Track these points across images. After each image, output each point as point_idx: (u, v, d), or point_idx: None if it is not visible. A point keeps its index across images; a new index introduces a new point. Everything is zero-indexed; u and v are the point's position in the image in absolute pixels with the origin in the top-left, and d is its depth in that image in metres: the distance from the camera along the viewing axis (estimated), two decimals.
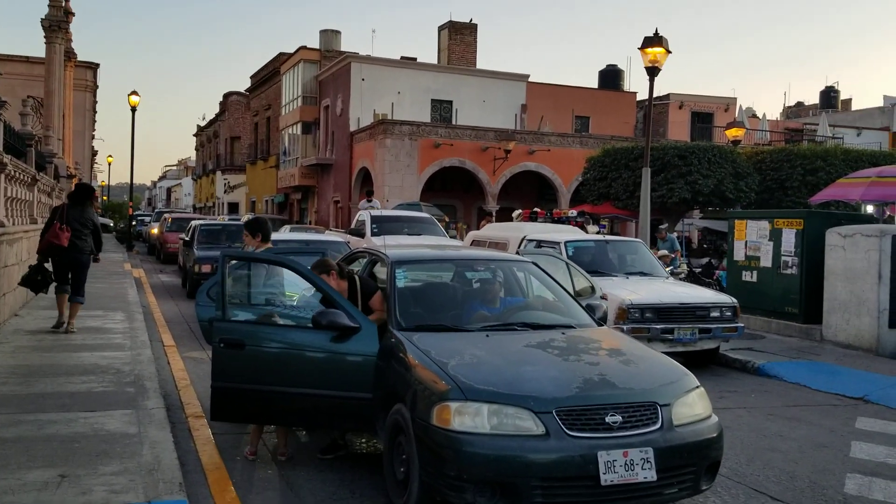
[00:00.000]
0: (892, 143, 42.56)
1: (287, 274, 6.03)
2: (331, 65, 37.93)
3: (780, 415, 7.81)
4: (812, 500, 5.30)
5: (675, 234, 22.70)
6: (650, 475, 4.32)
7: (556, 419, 4.33)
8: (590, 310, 6.32)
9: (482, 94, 36.91)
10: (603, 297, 7.73)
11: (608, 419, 4.42)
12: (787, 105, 60.43)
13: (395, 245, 7.79)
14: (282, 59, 45.15)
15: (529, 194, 33.84)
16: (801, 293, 11.97)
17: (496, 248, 12.35)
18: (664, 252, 18.09)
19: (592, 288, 7.47)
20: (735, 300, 10.33)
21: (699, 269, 19.57)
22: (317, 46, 40.66)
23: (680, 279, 16.69)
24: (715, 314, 10.02)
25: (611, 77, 43.28)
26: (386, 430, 4.98)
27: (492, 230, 15.48)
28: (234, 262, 5.94)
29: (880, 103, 46.94)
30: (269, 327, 5.60)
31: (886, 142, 42.03)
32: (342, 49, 39.77)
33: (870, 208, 14.59)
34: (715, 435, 4.73)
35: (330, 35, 40.80)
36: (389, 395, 5.03)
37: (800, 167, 24.87)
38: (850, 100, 56.01)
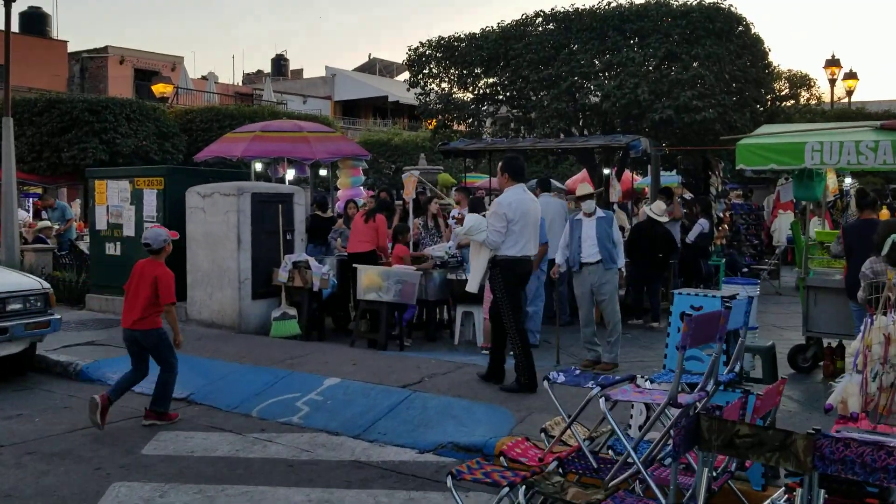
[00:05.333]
0: (334, 110, 45.20)
1: None
2: None
3: (46, 449, 5.50)
4: None
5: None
6: None
7: None
8: None
9: None
10: None
11: None
12: (245, 72, 60.50)
13: None
14: None
15: None
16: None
17: None
18: (45, 223, 14.84)
19: None
20: (47, 286, 7.82)
21: None
22: None
23: (61, 254, 13.73)
24: (16, 306, 7.36)
25: (34, 21, 37.07)
26: None
27: None
28: None
29: (324, 73, 49.60)
30: None
31: (328, 109, 44.37)
32: None
33: (258, 166, 13.52)
34: None
35: None
36: None
37: (229, 128, 23.69)
38: (302, 70, 58.24)
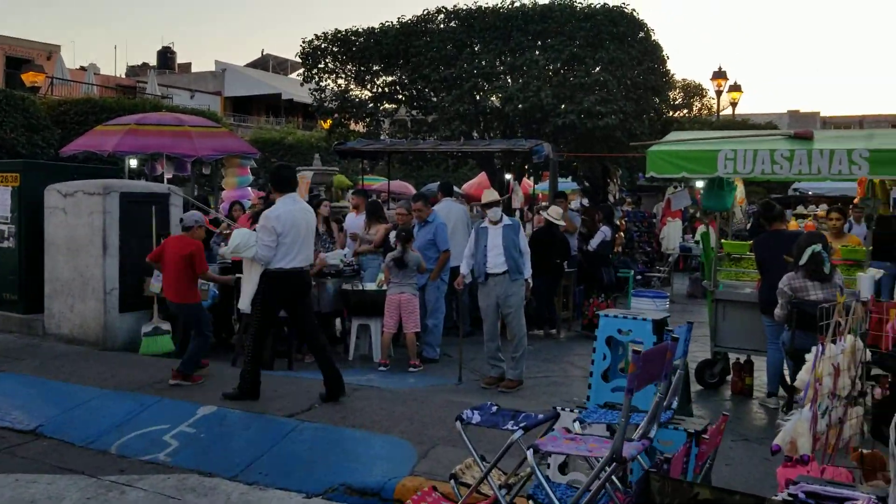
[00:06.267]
0: (224, 107, 43.31)
1: None
2: None
3: None
4: None
5: None
6: None
7: None
8: None
9: None
10: None
11: None
12: (129, 64, 57.35)
13: None
14: None
15: None
16: (20, 273, 8.85)
17: None
18: None
19: None
20: None
21: None
22: None
23: None
24: None
25: None
26: None
27: None
28: None
29: (213, 68, 47.58)
30: None
31: (218, 105, 42.45)
32: None
33: (133, 162, 12.34)
34: None
35: None
36: None
37: (106, 121, 22.05)
38: (190, 64, 55.78)
